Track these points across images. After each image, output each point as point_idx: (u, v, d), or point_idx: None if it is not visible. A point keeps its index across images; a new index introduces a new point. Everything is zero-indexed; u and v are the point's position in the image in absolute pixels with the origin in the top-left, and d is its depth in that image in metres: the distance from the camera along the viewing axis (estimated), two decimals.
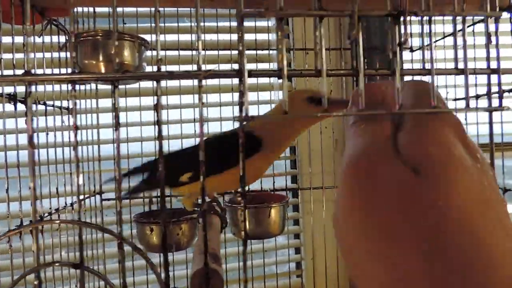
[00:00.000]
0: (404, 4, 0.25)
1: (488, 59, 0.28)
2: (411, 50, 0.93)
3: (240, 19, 0.23)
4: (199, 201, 0.56)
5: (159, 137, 0.24)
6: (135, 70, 0.62)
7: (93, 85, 0.75)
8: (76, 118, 0.25)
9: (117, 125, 0.25)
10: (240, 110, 0.24)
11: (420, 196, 0.16)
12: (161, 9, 0.79)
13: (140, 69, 0.63)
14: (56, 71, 0.61)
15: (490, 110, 0.27)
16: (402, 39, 0.24)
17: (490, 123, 0.29)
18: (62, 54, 0.63)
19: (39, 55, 0.56)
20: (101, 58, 0.59)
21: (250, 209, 0.71)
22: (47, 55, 0.60)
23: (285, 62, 0.23)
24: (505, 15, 0.63)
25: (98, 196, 0.78)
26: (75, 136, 0.24)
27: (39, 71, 0.57)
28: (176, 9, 0.78)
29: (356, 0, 0.24)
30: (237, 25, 0.24)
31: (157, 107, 0.25)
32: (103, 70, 0.59)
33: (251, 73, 0.24)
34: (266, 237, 0.74)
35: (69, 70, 0.61)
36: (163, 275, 0.24)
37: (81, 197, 0.73)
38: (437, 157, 0.16)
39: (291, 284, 0.92)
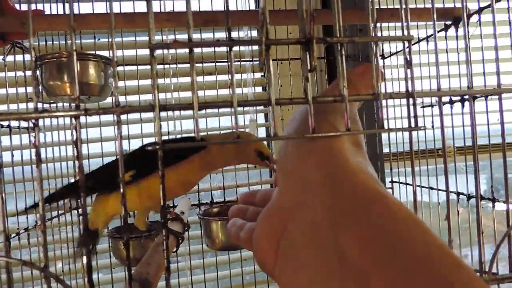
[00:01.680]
0: (312, 32, 0.26)
1: (406, 82, 0.29)
2: (383, 57, 0.94)
3: (151, 52, 0.24)
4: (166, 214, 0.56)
5: (80, 164, 0.25)
6: (101, 89, 0.63)
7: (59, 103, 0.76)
8: (40, 154, 0.26)
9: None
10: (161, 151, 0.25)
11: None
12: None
13: (106, 87, 0.64)
14: (21, 89, 0.62)
15: (408, 130, 0.28)
16: (311, 65, 0.26)
17: (410, 141, 0.31)
18: (28, 73, 0.64)
19: (1, 74, 0.57)
20: (66, 79, 0.60)
21: (222, 221, 0.72)
22: (12, 74, 0.61)
23: (195, 100, 0.24)
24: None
25: (75, 211, 0.79)
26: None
27: (2, 91, 0.58)
28: None
29: (264, 29, 0.25)
30: (149, 57, 0.25)
31: (76, 143, 0.26)
32: (68, 91, 0.60)
33: (166, 107, 0.25)
34: (240, 248, 0.75)
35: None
36: None
37: (55, 213, 0.74)
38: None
39: None
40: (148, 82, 0.84)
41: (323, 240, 0.19)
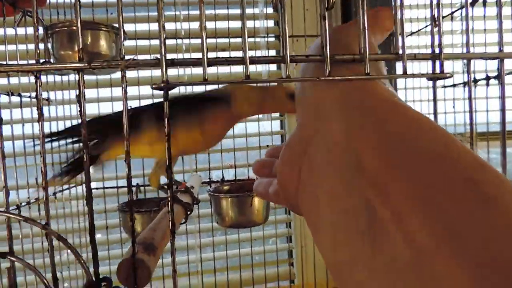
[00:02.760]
0: None
1: (432, 44, 0.27)
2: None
3: None
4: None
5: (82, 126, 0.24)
6: (111, 59, 0.62)
7: (71, 76, 0.75)
8: (42, 108, 0.25)
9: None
10: (165, 99, 0.24)
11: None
12: None
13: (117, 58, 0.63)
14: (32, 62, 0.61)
15: (432, 76, 0.26)
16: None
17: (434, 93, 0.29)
18: (41, 46, 0.63)
19: (12, 47, 0.56)
20: (76, 49, 0.59)
21: (232, 198, 0.72)
22: (23, 46, 0.60)
23: (206, 52, 0.23)
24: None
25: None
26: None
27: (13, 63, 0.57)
28: None
29: None
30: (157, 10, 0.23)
31: (79, 97, 0.25)
32: None
33: (174, 62, 0.24)
34: (250, 226, 0.74)
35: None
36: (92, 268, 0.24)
37: (66, 186, 0.75)
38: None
39: (280, 273, 0.92)
40: None
41: (341, 156, 0.18)
